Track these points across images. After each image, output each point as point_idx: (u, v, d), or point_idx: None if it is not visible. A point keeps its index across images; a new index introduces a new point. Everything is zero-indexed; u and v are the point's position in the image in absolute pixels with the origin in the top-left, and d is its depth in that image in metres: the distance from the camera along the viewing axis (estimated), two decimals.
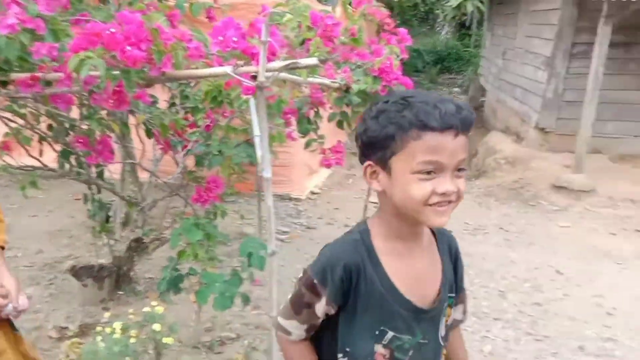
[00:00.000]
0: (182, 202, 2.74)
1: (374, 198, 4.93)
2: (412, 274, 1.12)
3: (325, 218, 4.83)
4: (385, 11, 2.65)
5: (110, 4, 3.01)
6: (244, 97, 2.09)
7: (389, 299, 1.10)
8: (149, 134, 2.41)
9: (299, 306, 1.15)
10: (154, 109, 2.31)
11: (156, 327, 2.24)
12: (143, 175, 3.14)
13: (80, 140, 2.23)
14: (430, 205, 1.00)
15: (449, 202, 1.01)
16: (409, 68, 12.18)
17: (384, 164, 1.05)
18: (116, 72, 1.50)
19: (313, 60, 1.68)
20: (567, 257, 4.29)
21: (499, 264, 4.06)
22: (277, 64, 1.67)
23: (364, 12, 2.38)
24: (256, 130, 1.83)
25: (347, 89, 2.54)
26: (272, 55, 1.71)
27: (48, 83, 1.73)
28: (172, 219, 3.09)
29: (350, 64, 2.61)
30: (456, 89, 13.63)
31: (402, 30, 2.80)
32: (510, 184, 6.09)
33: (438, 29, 17.61)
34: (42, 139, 2.45)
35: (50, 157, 2.58)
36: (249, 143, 2.88)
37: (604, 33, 5.47)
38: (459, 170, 1.01)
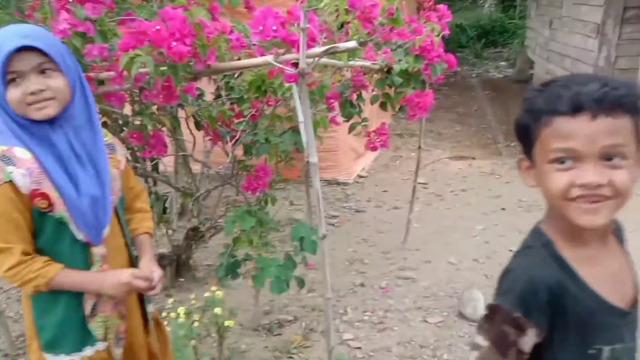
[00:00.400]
0: (234, 190, 2.82)
1: (423, 179, 4.91)
2: (609, 277, 0.99)
3: (374, 201, 4.83)
4: None
5: (152, 1, 3.13)
6: (287, 84, 2.13)
7: (598, 312, 0.96)
8: (198, 126, 2.49)
9: (505, 347, 0.96)
10: (201, 102, 2.38)
11: (217, 311, 2.34)
12: (195, 167, 3.25)
13: (134, 136, 2.34)
14: (572, 200, 0.89)
15: (600, 197, 0.88)
16: (452, 44, 11.89)
17: (530, 157, 0.97)
18: (164, 68, 1.57)
19: (352, 44, 1.69)
20: (630, 229, 4.12)
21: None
22: (317, 49, 1.70)
23: None
24: (300, 117, 1.86)
25: (389, 70, 2.53)
26: (311, 41, 1.73)
27: (101, 82, 1.83)
28: (225, 208, 3.18)
29: (390, 44, 2.60)
30: (503, 63, 13.21)
31: (442, 6, 2.77)
32: None
33: (481, 2, 17.07)
34: None
35: None
36: (295, 130, 2.92)
37: None
38: (610, 159, 0.87)
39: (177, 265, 3.30)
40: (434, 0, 2.87)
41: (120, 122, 2.48)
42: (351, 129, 2.92)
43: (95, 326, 1.42)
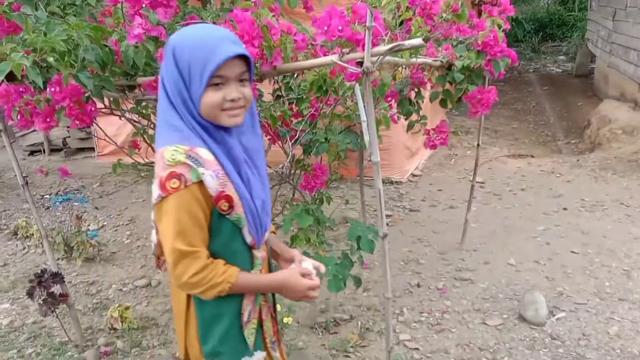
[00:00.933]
0: (289, 189, 2.84)
1: (480, 177, 4.81)
2: None
3: (428, 200, 4.77)
4: None
5: (212, 4, 3.19)
6: (348, 83, 2.13)
7: None
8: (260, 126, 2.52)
9: None
10: (262, 102, 2.42)
11: (277, 307, 2.36)
12: None
13: None
14: None
15: None
16: (509, 39, 11.53)
17: None
18: None
19: (418, 41, 1.67)
20: None
21: (620, 241, 3.78)
22: (382, 47, 1.68)
23: None
24: (363, 116, 1.86)
25: (450, 67, 2.49)
26: (375, 39, 1.72)
27: None
28: (282, 207, 3.21)
29: (451, 40, 2.55)
30: (561, 57, 12.73)
31: (504, 0, 2.69)
32: (630, 155, 5.62)
33: None
34: None
35: None
36: (350, 130, 2.92)
37: None
38: None
39: None
40: None
41: None
42: (409, 127, 2.88)
43: (249, 333, 1.40)
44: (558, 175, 5.28)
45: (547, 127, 7.27)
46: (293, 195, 2.97)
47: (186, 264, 1.23)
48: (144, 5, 1.63)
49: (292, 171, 2.76)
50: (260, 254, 1.39)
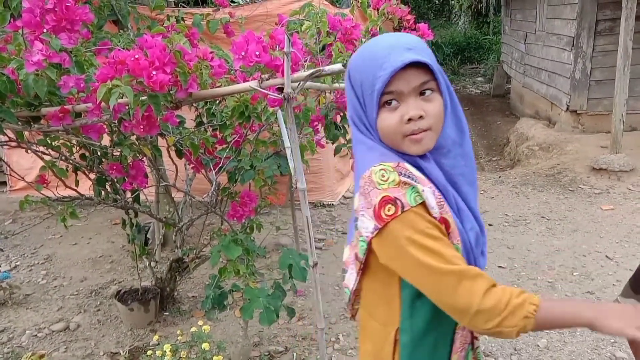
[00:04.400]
0: (219, 218, 2.74)
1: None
2: None
3: None
4: (404, 8, 2.61)
5: (129, 29, 3.07)
6: (271, 109, 2.08)
7: None
8: (180, 154, 2.42)
9: (637, 285, 1.22)
10: (182, 130, 2.32)
11: (205, 346, 2.24)
12: (178, 196, 3.16)
13: (114, 167, 2.26)
14: None
15: None
16: None
17: None
18: (144, 98, 1.50)
19: (338, 67, 1.65)
20: (614, 240, 4.13)
21: (544, 254, 3.94)
22: (302, 73, 1.65)
23: (383, 11, 2.34)
24: (287, 142, 1.81)
25: None
26: (295, 65, 1.69)
27: (78, 114, 1.75)
28: (209, 236, 3.09)
29: None
30: (480, 78, 13.41)
31: (422, 25, 2.76)
32: (547, 170, 5.93)
33: (455, 19, 17.37)
34: (76, 169, 2.49)
35: (86, 186, 2.62)
36: (278, 154, 2.87)
37: (630, 6, 5.29)
38: None
39: (162, 298, 3.19)
40: (413, 20, 2.86)
41: (99, 153, 2.40)
42: (337, 151, 2.87)
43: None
44: (482, 192, 5.47)
45: None
46: (221, 224, 2.86)
47: (467, 286, 0.94)
48: (45, 30, 1.51)
49: (218, 199, 2.66)
50: None
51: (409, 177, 0.98)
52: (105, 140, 2.36)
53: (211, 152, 2.43)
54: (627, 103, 5.57)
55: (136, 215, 2.83)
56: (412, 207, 0.97)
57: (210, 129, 2.45)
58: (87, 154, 2.45)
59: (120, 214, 3.10)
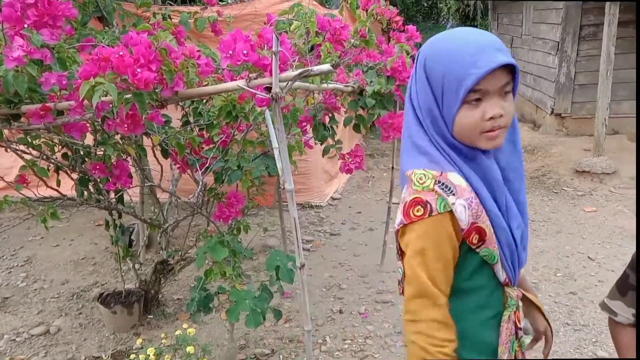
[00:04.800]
0: (205, 219, 2.71)
1: (396, 199, 4.86)
2: None
3: (348, 223, 4.76)
4: (393, 9, 2.60)
5: (114, 26, 3.02)
6: (259, 109, 2.06)
7: None
8: (166, 154, 2.38)
9: (624, 287, 1.17)
10: (168, 129, 2.28)
11: (190, 349, 2.20)
12: (163, 196, 3.12)
13: (97, 167, 2.21)
14: None
15: None
16: None
17: None
18: (128, 96, 1.47)
19: (326, 67, 1.63)
20: (597, 242, 4.17)
21: (528, 255, 3.96)
22: (290, 73, 1.63)
23: (372, 13, 2.32)
24: (274, 142, 1.79)
25: (361, 92, 2.49)
26: (283, 64, 1.66)
27: (60, 112, 1.71)
28: (195, 237, 3.05)
29: (361, 66, 2.56)
30: None
31: (411, 27, 2.75)
32: (532, 172, 5.97)
33: (443, 22, 17.46)
34: (58, 169, 2.43)
35: (68, 186, 2.56)
36: (266, 155, 2.84)
37: (612, 12, 5.35)
38: None
39: (146, 301, 3.13)
40: (402, 22, 2.85)
41: (82, 153, 2.35)
42: (325, 151, 2.85)
43: None
44: None
45: None
46: (207, 225, 2.82)
47: (423, 304, 1.06)
48: (25, 25, 1.46)
49: (205, 199, 2.62)
50: (515, 292, 1.18)
51: (444, 188, 1.04)
52: (89, 139, 2.31)
53: (197, 152, 2.39)
54: (609, 107, 5.64)
55: (120, 216, 2.78)
56: (439, 212, 1.04)
57: (197, 129, 2.41)
58: (69, 153, 2.40)
59: (103, 214, 3.04)
